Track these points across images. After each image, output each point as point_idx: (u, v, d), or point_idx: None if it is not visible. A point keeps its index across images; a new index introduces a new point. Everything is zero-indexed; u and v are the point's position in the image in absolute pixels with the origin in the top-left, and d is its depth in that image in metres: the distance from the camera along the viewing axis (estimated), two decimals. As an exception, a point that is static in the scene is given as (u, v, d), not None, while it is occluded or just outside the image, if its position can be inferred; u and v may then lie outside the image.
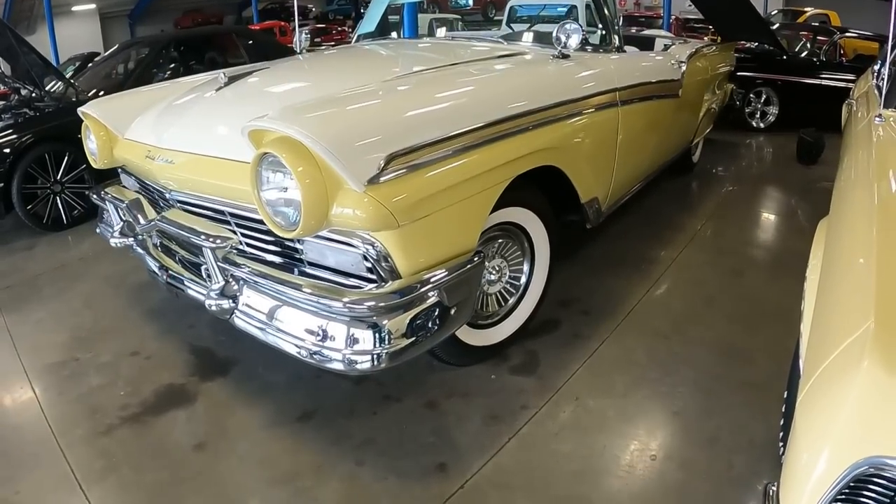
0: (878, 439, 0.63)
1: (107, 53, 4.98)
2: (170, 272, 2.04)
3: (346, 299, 1.39)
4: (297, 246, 1.61)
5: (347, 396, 2.04)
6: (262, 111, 1.76)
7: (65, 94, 3.99)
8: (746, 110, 5.83)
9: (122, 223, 2.30)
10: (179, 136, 1.88)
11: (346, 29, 15.86)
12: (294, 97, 1.85)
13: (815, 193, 4.09)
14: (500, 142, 1.66)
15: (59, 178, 3.82)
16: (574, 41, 2.11)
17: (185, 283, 1.93)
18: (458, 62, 2.04)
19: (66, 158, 3.81)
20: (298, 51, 3.10)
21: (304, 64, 2.42)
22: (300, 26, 3.37)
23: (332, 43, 11.88)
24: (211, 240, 1.63)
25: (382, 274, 1.44)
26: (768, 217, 3.79)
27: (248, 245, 1.74)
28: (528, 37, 2.70)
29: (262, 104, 1.85)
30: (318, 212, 1.31)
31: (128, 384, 2.20)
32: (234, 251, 1.71)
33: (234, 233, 1.77)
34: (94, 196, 2.52)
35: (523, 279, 2.18)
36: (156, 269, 2.09)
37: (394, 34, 3.27)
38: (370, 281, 1.49)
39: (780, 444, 1.69)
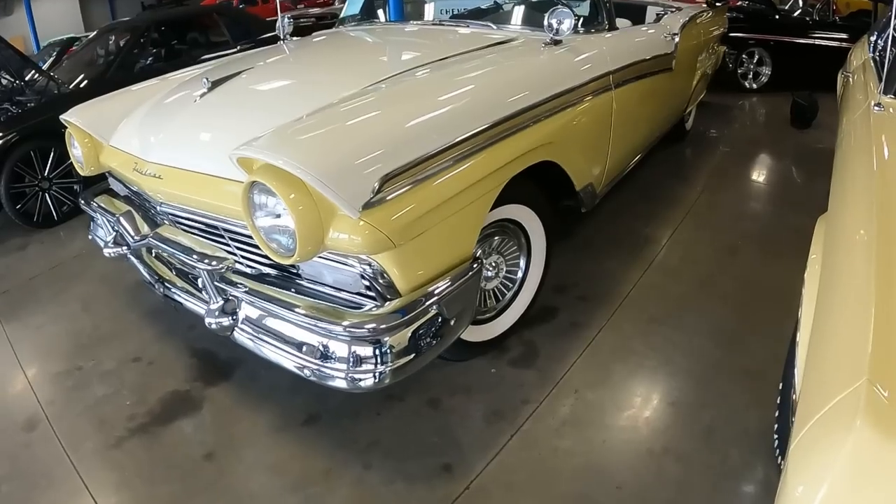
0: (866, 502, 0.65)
1: (86, 41, 4.81)
2: (166, 284, 2.04)
3: (345, 323, 1.40)
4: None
5: (351, 398, 2.05)
6: (249, 123, 1.74)
7: (46, 87, 3.88)
8: (739, 71, 5.74)
9: (114, 234, 2.28)
10: (166, 151, 1.84)
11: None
12: (280, 106, 1.80)
13: (809, 160, 4.08)
14: (496, 145, 1.63)
15: (46, 174, 3.76)
16: (566, 26, 2.05)
17: (184, 296, 1.92)
18: (448, 55, 1.98)
19: (52, 154, 3.73)
20: (282, 37, 3.01)
21: (288, 63, 2.34)
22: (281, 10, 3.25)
23: (314, 8, 11.54)
24: (206, 261, 1.62)
25: (381, 291, 1.44)
26: (763, 188, 3.78)
27: (243, 258, 1.73)
28: (517, 17, 2.61)
29: (248, 115, 1.81)
30: (314, 238, 1.30)
31: (133, 392, 2.22)
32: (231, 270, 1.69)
33: (228, 248, 1.76)
34: (84, 204, 2.49)
35: (520, 273, 2.19)
36: (152, 282, 2.08)
37: (380, 12, 3.16)
38: (369, 297, 1.49)
39: (775, 435, 1.75)
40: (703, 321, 2.38)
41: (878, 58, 2.55)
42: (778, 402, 1.82)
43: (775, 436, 1.74)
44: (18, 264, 3.48)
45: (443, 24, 2.50)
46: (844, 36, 5.30)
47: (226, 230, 1.72)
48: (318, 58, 2.38)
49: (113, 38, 4.47)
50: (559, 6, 2.07)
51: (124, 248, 2.27)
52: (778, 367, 2.02)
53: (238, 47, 4.72)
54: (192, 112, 1.93)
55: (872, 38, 2.88)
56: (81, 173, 2.44)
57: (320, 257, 1.45)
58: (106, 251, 2.30)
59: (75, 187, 3.87)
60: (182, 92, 2.25)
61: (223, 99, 1.94)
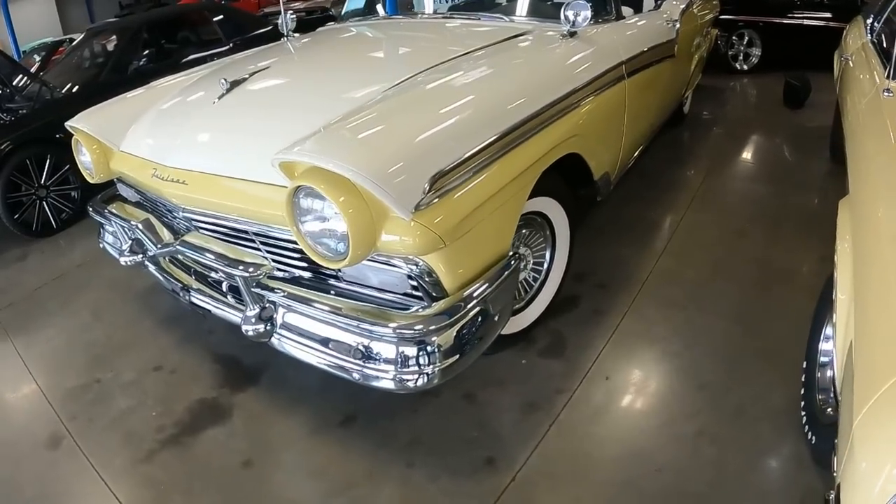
0: None
1: (74, 43, 4.69)
2: (192, 292, 2.01)
3: (394, 324, 1.39)
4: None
5: (386, 396, 2.04)
6: (279, 125, 1.72)
7: (38, 92, 3.78)
8: (730, 53, 5.80)
9: (130, 241, 2.24)
10: (188, 154, 1.81)
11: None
12: (308, 106, 1.77)
13: (805, 139, 4.14)
14: (531, 139, 1.64)
15: (43, 182, 3.67)
16: (583, 18, 2.05)
17: (213, 303, 1.90)
18: (471, 50, 1.97)
19: (48, 161, 3.65)
20: (286, 34, 2.97)
21: (306, 61, 2.31)
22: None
23: (296, 3, 11.39)
24: (243, 268, 1.60)
25: (429, 290, 1.44)
26: (764, 169, 3.82)
27: (275, 263, 1.71)
28: (525, 9, 2.60)
29: (276, 115, 1.78)
30: (366, 241, 1.30)
31: (158, 403, 2.18)
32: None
33: (259, 252, 1.74)
34: (94, 212, 2.43)
35: (545, 264, 2.20)
36: (176, 290, 2.05)
37: (378, 6, 3.12)
38: (414, 297, 1.49)
39: (802, 412, 1.79)
40: (720, 304, 2.42)
41: (877, 41, 2.59)
42: (803, 379, 1.87)
43: (802, 412, 1.79)
44: (20, 276, 3.41)
45: (454, 18, 2.48)
46: (829, 15, 5.38)
47: (256, 235, 1.70)
48: (338, 55, 2.34)
49: (103, 39, 4.36)
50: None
51: (141, 256, 2.25)
52: (796, 346, 2.07)
53: (231, 45, 4.65)
54: (213, 114, 1.89)
55: (869, 21, 2.92)
56: (90, 181, 2.39)
57: (367, 259, 1.44)
58: (122, 260, 2.27)
59: (73, 194, 3.79)
60: (196, 94, 2.22)
61: (244, 100, 1.91)
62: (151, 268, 2.26)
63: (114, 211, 2.27)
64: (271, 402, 2.13)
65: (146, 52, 4.29)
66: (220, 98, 1.94)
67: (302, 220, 1.37)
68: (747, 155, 4.08)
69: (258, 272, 1.59)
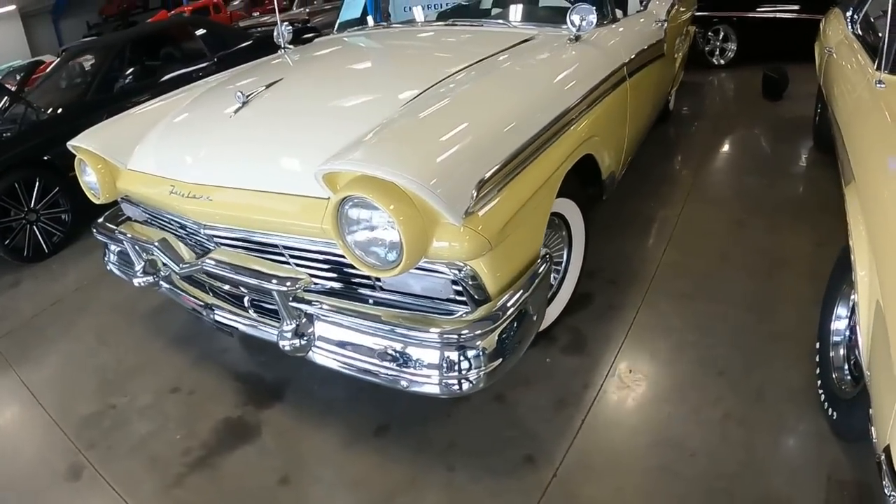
0: None
1: (55, 63, 4.58)
2: (215, 310, 1.99)
3: (440, 330, 1.41)
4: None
5: (415, 402, 2.06)
6: (305, 136, 1.72)
7: (24, 114, 3.68)
8: (706, 49, 5.97)
9: (143, 262, 2.20)
10: (214, 170, 1.78)
11: (282, -1, 15.13)
12: (332, 119, 1.78)
13: (788, 130, 4.28)
14: (556, 142, 1.68)
15: (32, 206, 3.58)
16: (588, 23, 2.10)
17: (241, 321, 1.88)
18: (485, 56, 1.99)
19: (37, 184, 3.55)
20: (282, 45, 2.96)
21: (317, 71, 2.30)
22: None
23: (266, 17, 11.38)
24: (278, 282, 1.59)
25: (473, 294, 1.46)
26: (752, 160, 3.93)
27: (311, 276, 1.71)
28: (524, 13, 2.65)
29: (301, 127, 1.77)
30: (419, 249, 1.31)
31: (180, 425, 2.14)
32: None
33: (289, 265, 1.74)
34: (101, 234, 2.38)
35: (563, 264, 2.24)
36: (198, 309, 2.02)
37: (369, 19, 3.13)
38: (456, 302, 1.51)
39: (820, 390, 1.87)
40: (728, 292, 2.49)
41: (860, 34, 2.70)
42: (817, 359, 1.95)
43: (820, 391, 1.87)
44: (16, 303, 3.32)
45: (456, 25, 2.51)
46: (798, 7, 5.58)
47: (287, 248, 1.70)
48: (352, 65, 2.34)
49: (87, 58, 4.27)
50: (581, 2, 2.11)
51: (155, 276, 2.21)
52: (805, 328, 2.17)
53: (216, 59, 4.60)
54: (233, 127, 1.88)
55: (849, 14, 3.05)
56: (96, 202, 2.35)
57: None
58: (135, 281, 2.23)
59: (64, 217, 3.71)
60: (206, 108, 2.19)
61: (264, 112, 1.89)
62: (166, 286, 2.23)
63: (125, 232, 2.22)
64: (299, 416, 2.11)
65: (131, 69, 4.22)
66: (236, 111, 1.93)
67: (349, 232, 1.38)
68: (734, 147, 4.21)
69: (296, 286, 1.59)
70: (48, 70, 4.88)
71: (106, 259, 2.54)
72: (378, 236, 1.36)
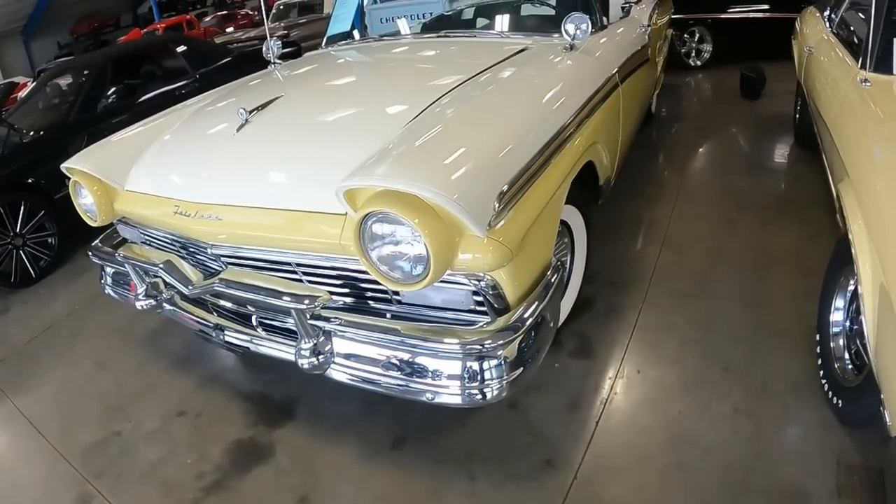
0: None
1: (34, 85, 4.49)
2: (225, 331, 1.97)
3: (462, 341, 1.42)
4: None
5: (429, 414, 2.06)
6: (315, 152, 1.72)
7: (6, 137, 3.60)
8: (682, 50, 6.11)
9: (146, 285, 2.17)
10: (222, 189, 1.77)
11: (251, 12, 15.16)
12: (341, 134, 1.78)
13: (768, 128, 4.40)
14: (564, 150, 1.71)
15: (18, 230, 3.50)
16: (582, 32, 2.15)
17: (255, 341, 1.87)
18: (487, 67, 2.02)
19: (22, 208, 3.47)
20: (272, 60, 2.95)
21: (318, 87, 2.30)
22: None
23: (239, 32, 11.32)
24: (297, 300, 1.59)
25: (493, 304, 1.48)
26: (737, 158, 4.02)
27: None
28: (514, 24, 2.69)
29: (310, 143, 1.78)
30: (445, 261, 1.32)
31: (191, 449, 2.11)
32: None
33: (301, 282, 1.74)
34: (99, 258, 2.34)
35: (567, 269, 2.28)
36: (207, 331, 2.00)
37: (355, 33, 3.14)
38: (478, 313, 1.53)
39: (823, 380, 1.93)
40: (726, 289, 2.55)
41: (841, 33, 2.80)
42: (818, 350, 2.02)
43: (823, 381, 1.94)
44: (6, 330, 3.23)
45: (449, 37, 2.54)
46: (767, 7, 5.76)
47: (300, 266, 1.70)
48: (354, 80, 2.35)
49: (67, 78, 4.20)
50: (576, 12, 2.16)
51: (157, 298, 2.19)
52: (803, 321, 2.23)
53: (198, 76, 4.55)
54: (238, 145, 1.87)
55: (827, 13, 3.15)
56: (92, 224, 2.31)
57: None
58: (138, 304, 2.20)
59: (50, 241, 3.63)
60: (205, 126, 2.18)
61: (270, 128, 1.89)
62: (169, 308, 2.20)
63: (125, 254, 2.19)
64: (313, 434, 2.10)
65: (113, 88, 4.16)
66: (240, 129, 1.92)
67: (372, 247, 1.39)
68: (718, 147, 4.31)
69: (314, 304, 1.59)
70: (27, 92, 4.77)
71: (102, 282, 2.50)
72: (401, 251, 1.37)
